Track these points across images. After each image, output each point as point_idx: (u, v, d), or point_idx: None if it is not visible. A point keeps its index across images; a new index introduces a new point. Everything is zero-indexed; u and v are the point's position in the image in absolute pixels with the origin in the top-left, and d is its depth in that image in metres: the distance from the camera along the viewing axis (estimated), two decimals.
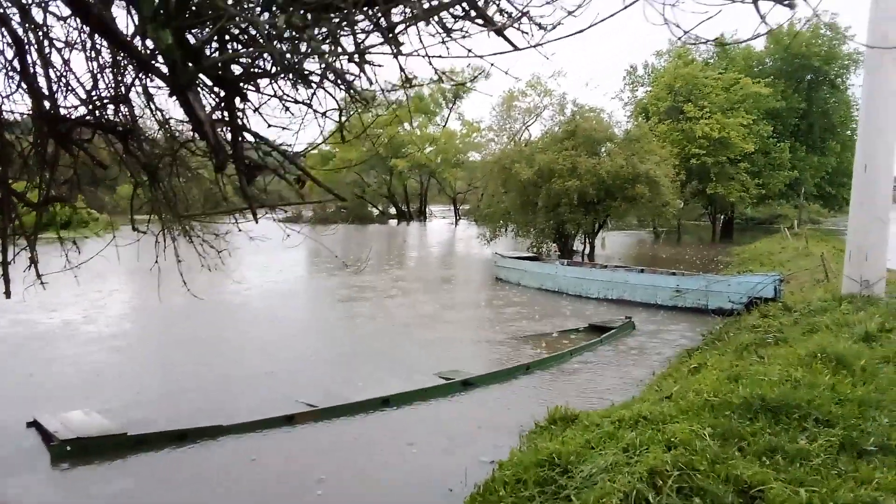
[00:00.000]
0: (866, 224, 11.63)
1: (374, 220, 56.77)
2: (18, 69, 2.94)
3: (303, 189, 2.64)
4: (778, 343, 8.76)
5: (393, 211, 61.85)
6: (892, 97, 11.28)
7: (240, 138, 2.27)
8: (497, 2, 2.40)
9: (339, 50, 1.76)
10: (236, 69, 2.39)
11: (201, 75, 1.94)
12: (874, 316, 9.26)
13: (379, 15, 1.83)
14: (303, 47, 1.86)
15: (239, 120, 2.57)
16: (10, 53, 2.99)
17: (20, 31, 2.80)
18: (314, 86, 2.62)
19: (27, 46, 2.82)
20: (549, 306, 16.37)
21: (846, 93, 40.14)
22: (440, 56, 2.33)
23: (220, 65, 1.92)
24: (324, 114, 2.63)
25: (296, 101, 2.82)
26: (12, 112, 3.33)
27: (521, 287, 19.44)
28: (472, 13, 2.00)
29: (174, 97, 1.76)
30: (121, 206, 14.05)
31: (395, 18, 1.91)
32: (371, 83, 2.48)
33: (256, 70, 2.34)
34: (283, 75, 2.46)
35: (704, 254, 29.41)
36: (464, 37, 2.10)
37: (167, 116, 3.60)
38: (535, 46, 2.10)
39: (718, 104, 35.34)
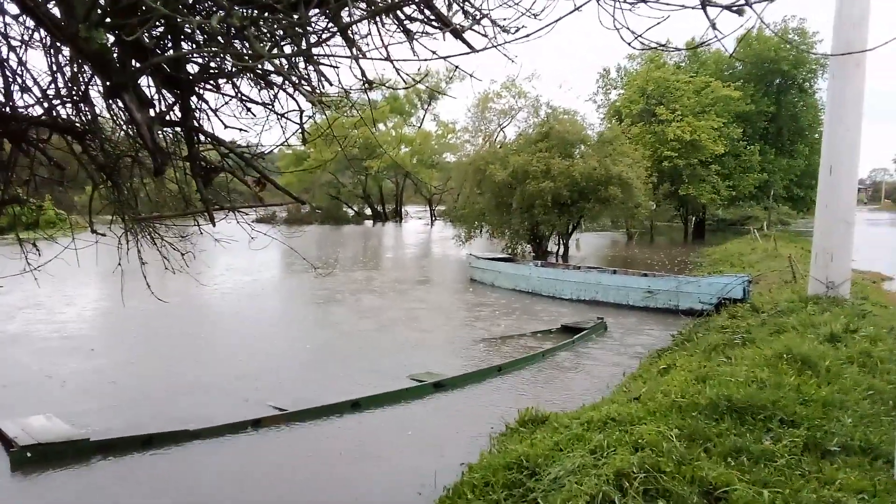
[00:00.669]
0: (831, 226, 11.82)
1: (350, 221, 56.53)
2: None
3: (262, 191, 2.59)
4: (745, 344, 8.88)
5: (368, 212, 61.64)
6: (855, 101, 11.49)
7: (195, 140, 2.22)
8: (461, 5, 2.39)
9: (291, 51, 1.73)
10: (192, 69, 2.33)
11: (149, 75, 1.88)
12: (839, 317, 9.44)
13: (330, 14, 1.79)
14: (257, 47, 1.82)
15: (196, 121, 2.52)
16: None
17: None
18: (275, 88, 2.58)
19: None
20: (522, 307, 16.42)
21: (814, 97, 40.94)
22: (405, 59, 2.31)
23: (171, 64, 1.86)
24: (283, 115, 2.59)
25: (257, 103, 2.78)
26: None
27: (495, 288, 19.47)
28: (430, 15, 1.97)
29: (110, 99, 1.70)
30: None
31: (351, 19, 1.87)
32: (331, 84, 2.45)
33: (212, 70, 2.29)
34: (240, 76, 2.41)
35: (676, 254, 29.74)
36: (422, 37, 2.07)
37: (128, 116, 3.53)
38: (491, 48, 2.08)
39: (690, 107, 35.88)
